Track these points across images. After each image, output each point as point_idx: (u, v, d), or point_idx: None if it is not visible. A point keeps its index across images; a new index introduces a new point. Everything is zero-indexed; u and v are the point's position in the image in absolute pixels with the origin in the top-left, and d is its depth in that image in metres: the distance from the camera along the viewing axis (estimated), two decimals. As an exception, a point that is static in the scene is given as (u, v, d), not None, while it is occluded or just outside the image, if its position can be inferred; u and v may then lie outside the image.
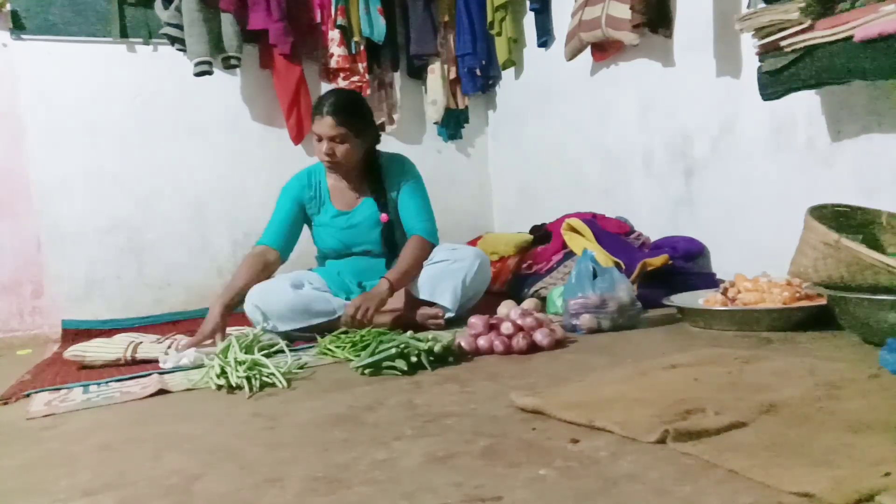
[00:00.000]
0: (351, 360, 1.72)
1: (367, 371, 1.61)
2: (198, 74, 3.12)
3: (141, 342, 2.04)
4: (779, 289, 1.80)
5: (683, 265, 2.40)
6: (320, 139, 2.25)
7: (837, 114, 1.97)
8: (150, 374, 1.78)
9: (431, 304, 2.22)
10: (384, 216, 2.37)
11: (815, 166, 2.05)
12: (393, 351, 1.60)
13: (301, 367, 1.72)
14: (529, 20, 3.41)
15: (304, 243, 2.51)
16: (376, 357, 1.61)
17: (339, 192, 2.41)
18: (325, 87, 3.59)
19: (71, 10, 3.11)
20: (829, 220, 1.57)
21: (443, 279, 2.22)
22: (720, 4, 2.32)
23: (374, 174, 2.39)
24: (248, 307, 2.18)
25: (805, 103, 2.02)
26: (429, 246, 2.31)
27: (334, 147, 2.24)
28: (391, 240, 2.39)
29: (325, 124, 2.22)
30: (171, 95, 3.29)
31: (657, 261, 2.32)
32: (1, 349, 2.83)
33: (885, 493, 0.72)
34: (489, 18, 3.48)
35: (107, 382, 1.75)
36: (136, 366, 1.95)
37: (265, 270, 2.28)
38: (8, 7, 2.99)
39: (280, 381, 1.56)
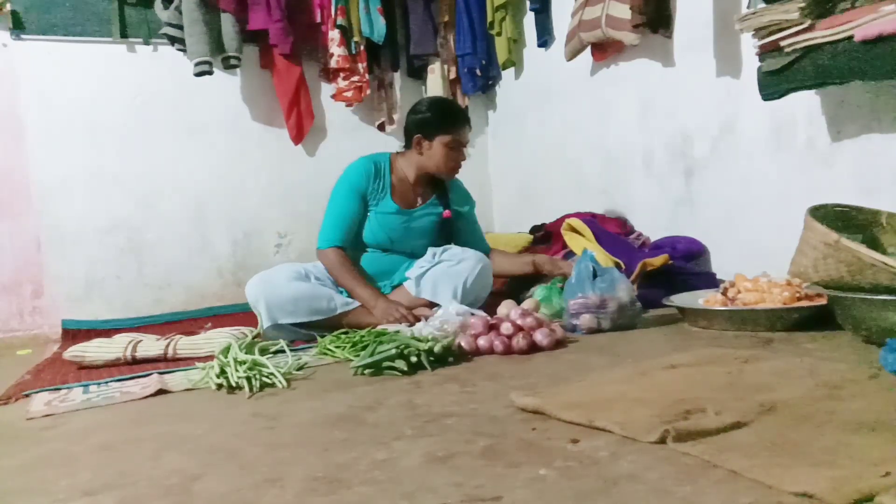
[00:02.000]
0: (351, 360, 1.71)
1: (366, 371, 1.61)
2: (198, 74, 3.13)
3: (140, 341, 2.04)
4: (779, 289, 1.79)
5: (683, 265, 2.40)
6: (458, 149, 2.34)
7: (837, 114, 1.97)
8: (150, 374, 1.78)
9: (431, 306, 2.22)
10: (447, 212, 2.42)
11: (815, 166, 2.05)
12: (393, 351, 1.60)
13: (301, 367, 1.72)
14: (529, 20, 3.41)
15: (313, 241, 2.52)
16: (376, 357, 1.61)
17: (402, 191, 2.40)
18: (325, 87, 3.60)
19: (71, 10, 3.11)
20: (829, 220, 1.57)
21: (444, 280, 2.22)
22: (720, 4, 2.32)
23: (440, 182, 2.45)
24: (250, 297, 2.17)
25: (805, 103, 2.02)
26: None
27: (462, 160, 2.38)
28: (448, 239, 2.42)
29: (469, 132, 2.38)
30: (171, 95, 3.29)
31: (657, 261, 2.32)
32: (1, 349, 2.83)
33: (885, 493, 0.72)
34: (489, 18, 3.48)
35: (107, 382, 1.75)
36: (137, 365, 1.95)
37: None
38: (8, 7, 2.99)
39: (280, 381, 1.56)
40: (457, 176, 2.48)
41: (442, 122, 2.30)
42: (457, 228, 2.47)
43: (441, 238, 2.42)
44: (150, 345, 2.02)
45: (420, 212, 2.41)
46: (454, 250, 2.31)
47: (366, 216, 2.37)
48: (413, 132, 2.34)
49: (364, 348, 1.75)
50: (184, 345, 2.02)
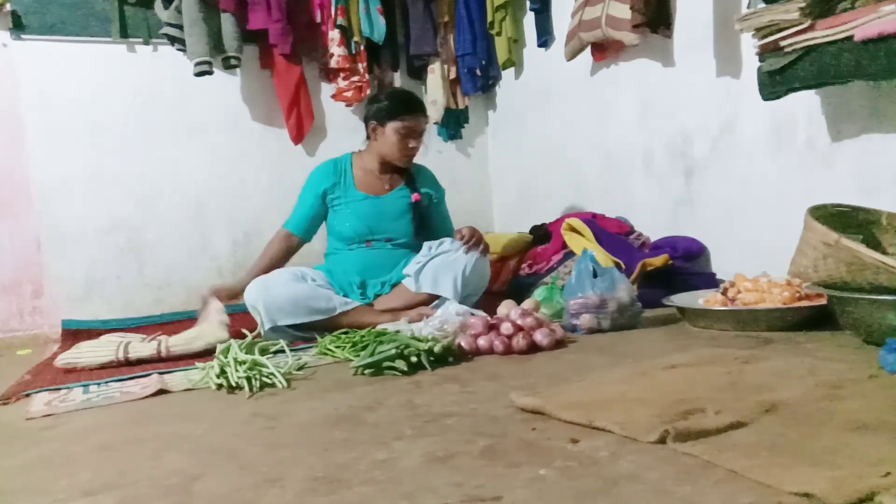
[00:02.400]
0: (351, 360, 1.71)
1: (366, 371, 1.61)
2: (198, 74, 3.12)
3: (130, 342, 2.00)
4: (779, 289, 1.80)
5: (683, 265, 2.40)
6: (409, 136, 2.38)
7: (837, 114, 1.97)
8: (150, 375, 1.78)
9: (431, 299, 2.24)
10: (416, 196, 2.46)
11: (815, 166, 2.05)
12: (392, 351, 1.60)
13: (301, 368, 1.72)
14: (529, 20, 3.41)
15: (314, 242, 2.60)
16: (376, 357, 1.61)
17: (367, 181, 2.48)
18: (326, 87, 3.59)
19: (71, 10, 3.11)
20: (829, 220, 1.57)
21: (444, 271, 2.24)
22: (720, 4, 2.32)
23: (406, 169, 2.51)
24: (248, 300, 2.19)
25: (805, 103, 2.02)
26: None
27: (418, 147, 2.43)
28: (419, 227, 2.47)
29: (422, 121, 2.42)
30: (171, 95, 3.29)
31: (657, 261, 2.32)
32: (1, 349, 2.83)
33: (885, 493, 0.72)
34: (489, 18, 3.48)
35: (107, 382, 1.75)
36: (136, 366, 1.92)
37: (287, 254, 2.49)
38: (8, 7, 2.99)
39: (280, 381, 1.56)
40: (428, 168, 2.60)
41: (394, 108, 2.37)
42: (429, 213, 2.52)
43: (419, 223, 2.48)
44: (140, 346, 1.98)
45: (390, 197, 2.47)
46: (448, 242, 2.34)
47: (326, 213, 2.50)
48: (369, 119, 2.44)
49: (364, 348, 1.75)
50: (174, 343, 1.99)
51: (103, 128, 3.17)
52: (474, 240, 2.29)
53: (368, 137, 2.47)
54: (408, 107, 2.39)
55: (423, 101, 2.50)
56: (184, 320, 2.98)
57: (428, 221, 2.52)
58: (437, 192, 2.57)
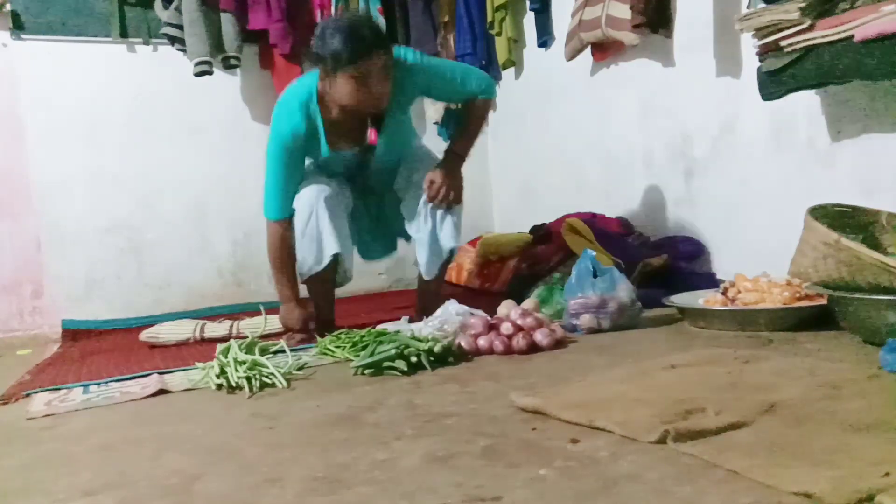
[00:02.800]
0: (351, 360, 1.71)
1: (366, 371, 1.61)
2: (198, 74, 3.12)
3: (205, 323, 2.32)
4: (779, 289, 1.79)
5: (683, 265, 2.40)
6: (366, 82, 1.92)
7: (837, 114, 1.97)
8: (150, 374, 1.78)
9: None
10: (372, 134, 2.11)
11: (815, 166, 2.05)
12: (392, 352, 1.60)
13: (301, 368, 1.72)
14: (529, 20, 3.41)
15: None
16: (376, 357, 1.61)
17: (337, 130, 2.09)
18: (325, 87, 3.59)
19: (71, 10, 3.11)
20: (829, 220, 1.57)
21: (426, 252, 2.18)
22: (720, 4, 2.32)
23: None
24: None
25: (805, 103, 2.02)
26: (488, 103, 2.18)
27: (386, 86, 1.96)
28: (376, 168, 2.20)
29: (378, 64, 1.91)
30: (171, 95, 3.29)
31: (657, 261, 2.32)
32: (1, 349, 2.83)
33: (885, 493, 0.72)
34: (489, 18, 3.48)
35: (106, 382, 1.75)
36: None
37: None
38: (8, 7, 2.99)
39: (280, 381, 1.56)
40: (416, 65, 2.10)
41: (339, 54, 1.88)
42: (436, 96, 2.26)
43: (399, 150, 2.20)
44: (215, 326, 2.30)
45: (382, 144, 2.15)
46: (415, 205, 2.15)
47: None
48: (315, 62, 1.98)
49: (364, 348, 1.75)
50: (245, 325, 2.27)
51: (103, 128, 3.18)
52: (439, 196, 2.02)
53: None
54: (354, 49, 1.87)
55: (376, 28, 1.97)
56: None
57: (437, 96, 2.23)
58: (421, 70, 2.10)
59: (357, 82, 1.92)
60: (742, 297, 1.84)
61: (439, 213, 2.16)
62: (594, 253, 2.05)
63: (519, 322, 1.76)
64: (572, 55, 2.89)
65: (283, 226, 2.08)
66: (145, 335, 2.29)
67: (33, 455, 1.20)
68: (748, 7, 2.02)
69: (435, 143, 3.82)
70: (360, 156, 2.18)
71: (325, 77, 1.98)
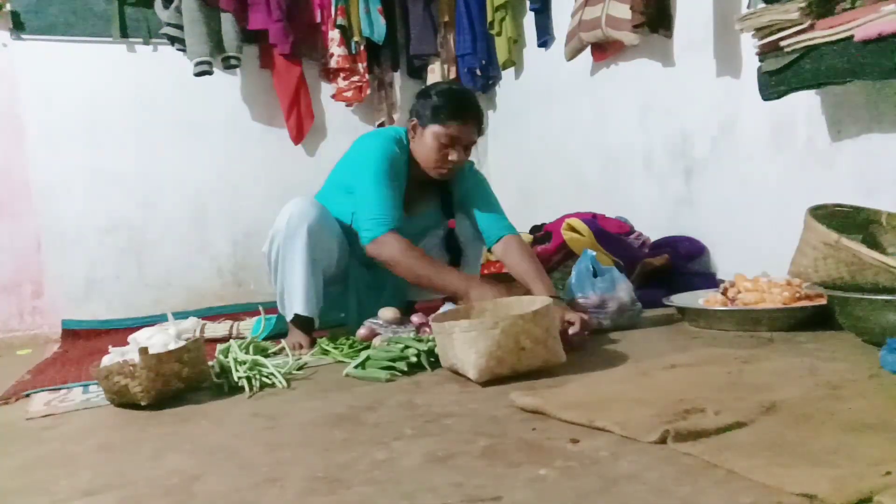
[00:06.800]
0: (351, 361, 1.71)
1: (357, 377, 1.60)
2: (198, 74, 3.13)
3: (205, 323, 2.28)
4: (779, 289, 1.80)
5: (683, 265, 2.40)
6: (452, 145, 1.94)
7: (837, 114, 1.97)
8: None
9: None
10: (452, 222, 2.19)
11: (815, 166, 2.05)
12: (384, 362, 1.59)
13: (301, 368, 1.72)
14: (529, 20, 3.41)
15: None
16: (371, 365, 1.61)
17: (407, 191, 2.07)
18: (325, 87, 3.60)
19: (71, 10, 3.11)
20: (830, 220, 1.57)
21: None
22: (720, 4, 2.32)
23: (444, 183, 2.12)
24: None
25: (805, 103, 2.02)
26: (522, 240, 2.05)
27: (463, 159, 1.99)
28: (455, 246, 2.21)
29: (472, 131, 1.96)
30: (171, 95, 3.29)
31: (657, 261, 2.32)
32: (1, 349, 2.83)
33: (885, 493, 0.72)
34: (489, 18, 3.48)
35: (107, 382, 1.75)
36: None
37: None
38: (8, 7, 2.99)
39: (280, 381, 1.56)
40: (479, 173, 2.18)
41: (440, 109, 1.93)
42: (468, 210, 2.12)
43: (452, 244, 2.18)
44: (215, 327, 2.29)
45: (421, 217, 2.15)
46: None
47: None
48: (411, 113, 2.03)
49: (365, 348, 1.75)
50: (245, 326, 2.28)
51: (103, 127, 3.18)
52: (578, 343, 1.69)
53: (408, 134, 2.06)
54: (457, 110, 1.93)
55: (480, 107, 2.01)
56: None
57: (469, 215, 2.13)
58: (474, 176, 2.15)
59: (444, 140, 1.94)
60: (742, 297, 1.84)
61: None
62: (594, 253, 2.05)
63: (519, 322, 1.75)
64: (572, 55, 2.89)
65: (397, 237, 1.91)
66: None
67: (33, 455, 1.19)
68: (748, 7, 2.02)
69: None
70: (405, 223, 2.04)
71: (414, 133, 2.01)
